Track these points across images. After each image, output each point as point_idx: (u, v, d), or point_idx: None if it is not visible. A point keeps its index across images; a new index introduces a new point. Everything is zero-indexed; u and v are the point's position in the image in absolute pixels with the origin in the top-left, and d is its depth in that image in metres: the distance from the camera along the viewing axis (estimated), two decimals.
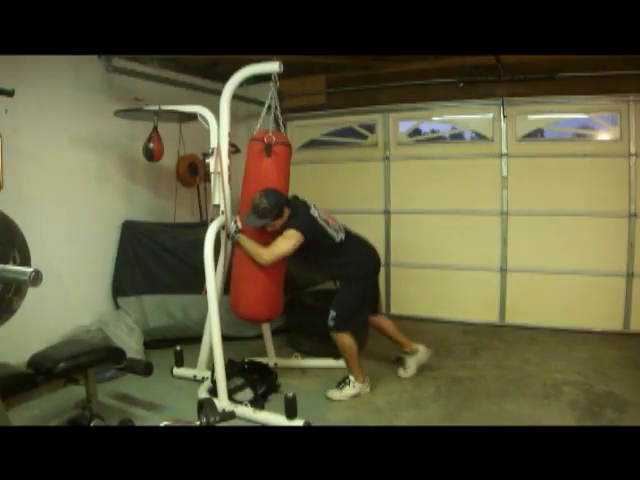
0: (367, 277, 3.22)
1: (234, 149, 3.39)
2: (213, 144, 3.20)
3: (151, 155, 3.83)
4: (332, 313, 3.14)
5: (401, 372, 3.46)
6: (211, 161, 3.19)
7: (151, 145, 3.77)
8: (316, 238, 3.00)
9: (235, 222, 3.10)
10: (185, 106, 3.43)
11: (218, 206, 3.20)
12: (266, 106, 3.18)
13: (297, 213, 3.01)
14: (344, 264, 3.14)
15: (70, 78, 3.74)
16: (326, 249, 3.08)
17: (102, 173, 4.06)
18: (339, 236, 3.10)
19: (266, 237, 3.02)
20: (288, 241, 2.92)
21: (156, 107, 3.49)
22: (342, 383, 3.20)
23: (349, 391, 3.16)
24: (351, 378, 3.18)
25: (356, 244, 3.21)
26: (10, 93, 2.26)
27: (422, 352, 3.45)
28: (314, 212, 3.06)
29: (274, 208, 2.88)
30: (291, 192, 3.28)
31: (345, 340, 3.13)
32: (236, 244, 3.11)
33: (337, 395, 3.16)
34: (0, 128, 3.09)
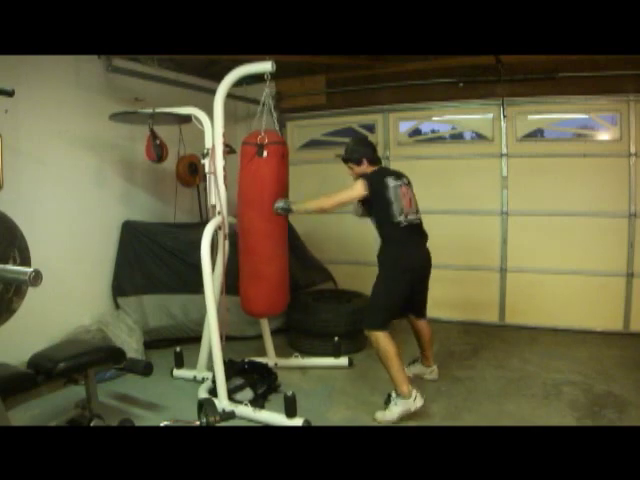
0: (406, 271, 2.95)
1: (229, 149, 3.40)
2: (208, 145, 3.21)
3: (150, 156, 3.88)
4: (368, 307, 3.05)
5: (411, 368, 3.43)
6: (206, 162, 3.20)
7: (153, 148, 3.83)
8: (377, 200, 2.96)
9: (283, 202, 3.13)
10: (179, 108, 3.42)
11: (214, 206, 3.22)
12: (260, 105, 3.18)
13: (374, 173, 3.08)
14: (392, 248, 2.99)
15: (70, 78, 3.74)
16: (382, 220, 2.99)
17: (102, 173, 4.06)
18: (400, 218, 2.94)
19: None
20: (349, 190, 3.00)
21: (150, 110, 3.49)
22: (387, 401, 2.85)
23: (393, 410, 2.78)
24: (392, 394, 2.83)
25: (413, 237, 3.04)
26: (10, 93, 2.25)
27: (433, 373, 3.43)
28: (390, 182, 3.00)
29: (353, 151, 3.15)
30: (290, 192, 3.28)
31: (380, 341, 2.83)
32: (297, 212, 3.21)
33: (380, 416, 2.82)
34: (0, 128, 3.10)
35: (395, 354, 2.83)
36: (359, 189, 2.97)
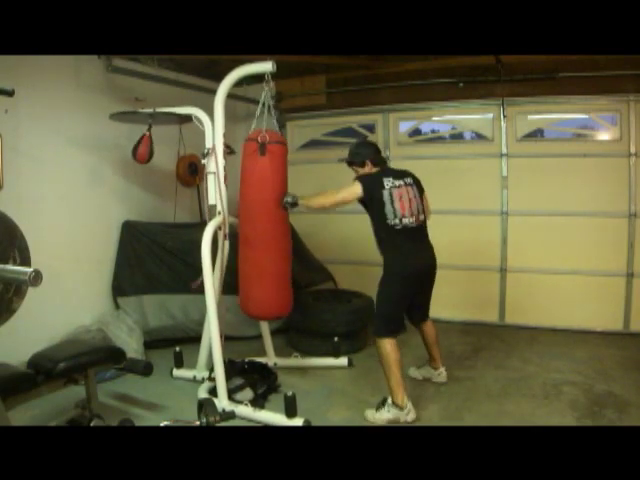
0: (404, 277, 2.91)
1: (229, 150, 3.39)
2: (208, 144, 3.21)
3: (135, 154, 3.77)
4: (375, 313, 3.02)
5: (413, 372, 3.46)
6: (207, 161, 3.20)
7: (141, 147, 3.72)
8: (371, 202, 2.94)
9: (290, 196, 3.09)
10: (180, 108, 3.42)
11: (214, 206, 3.21)
12: (260, 105, 3.18)
13: (371, 174, 3.04)
14: (388, 251, 2.95)
15: (70, 78, 3.73)
16: (377, 222, 2.96)
17: (102, 173, 4.06)
18: (395, 221, 2.88)
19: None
20: (347, 189, 2.97)
21: (151, 109, 3.48)
22: (380, 403, 2.86)
23: (383, 415, 2.80)
24: (388, 400, 2.82)
25: (410, 240, 2.95)
26: (10, 93, 2.25)
27: (441, 376, 3.37)
28: (386, 183, 2.93)
29: (355, 154, 3.13)
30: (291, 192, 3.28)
31: (385, 347, 2.83)
32: (302, 206, 3.11)
33: (370, 416, 2.84)
34: (0, 128, 3.10)
35: (396, 363, 2.81)
36: (355, 190, 2.93)
